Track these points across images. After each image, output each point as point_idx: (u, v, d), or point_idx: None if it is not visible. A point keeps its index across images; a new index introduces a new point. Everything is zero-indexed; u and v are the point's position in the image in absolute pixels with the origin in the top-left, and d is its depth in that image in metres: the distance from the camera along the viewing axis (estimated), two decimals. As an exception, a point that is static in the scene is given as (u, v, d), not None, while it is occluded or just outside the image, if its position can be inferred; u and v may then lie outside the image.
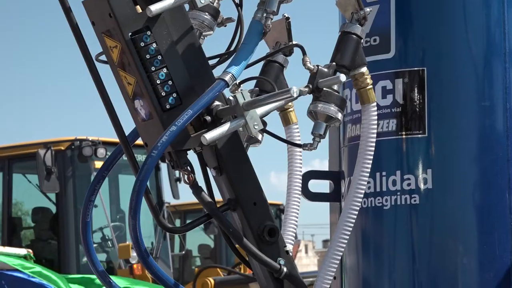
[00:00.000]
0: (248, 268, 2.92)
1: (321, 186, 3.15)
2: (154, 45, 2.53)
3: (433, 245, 2.92)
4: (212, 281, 11.34)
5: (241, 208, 2.66)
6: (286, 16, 2.78)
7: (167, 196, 12.94)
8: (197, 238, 17.04)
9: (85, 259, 13.78)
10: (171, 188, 11.70)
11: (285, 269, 2.61)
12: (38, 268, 10.67)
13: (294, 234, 2.78)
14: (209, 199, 2.67)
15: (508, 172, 2.92)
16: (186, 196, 12.30)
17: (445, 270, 2.90)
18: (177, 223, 15.43)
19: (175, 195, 12.09)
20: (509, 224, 2.90)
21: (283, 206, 12.73)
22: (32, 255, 11.70)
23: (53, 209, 14.45)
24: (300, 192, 2.83)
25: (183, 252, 15.36)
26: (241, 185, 2.66)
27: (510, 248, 2.89)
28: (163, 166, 13.10)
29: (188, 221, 10.96)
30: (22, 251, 11.66)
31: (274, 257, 2.61)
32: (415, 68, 2.94)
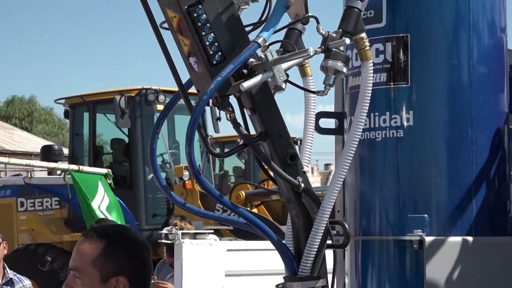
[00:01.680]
0: (273, 183, 2.91)
1: (329, 123, 3.13)
2: (204, 15, 2.56)
3: (413, 168, 2.89)
4: (244, 194, 11.39)
5: (269, 139, 2.65)
6: (304, -7, 2.79)
7: (210, 131, 13.08)
8: (232, 161, 17.07)
9: (150, 176, 13.85)
10: (213, 124, 11.68)
11: (302, 185, 2.61)
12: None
13: (309, 159, 2.76)
14: (245, 132, 2.68)
15: (470, 113, 2.88)
16: (224, 131, 12.34)
17: (421, 187, 2.87)
18: (217, 151, 15.60)
19: (216, 130, 12.04)
20: (471, 152, 2.86)
21: (296, 138, 12.68)
22: (110, 173, 11.78)
23: (126, 139, 14.54)
24: (313, 128, 2.81)
25: (222, 172, 15.39)
26: (269, 121, 2.65)
27: (471, 171, 2.85)
28: (207, 109, 13.16)
29: (225, 150, 11.06)
30: (104, 171, 11.72)
31: (294, 176, 2.61)
32: (401, 35, 2.92)
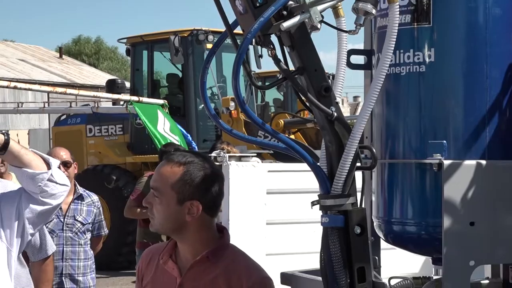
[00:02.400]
0: (309, 112, 2.89)
1: (359, 59, 3.10)
2: (249, -38, 2.53)
3: (433, 99, 2.87)
4: (282, 122, 11.38)
5: (306, 73, 2.63)
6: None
7: (253, 67, 13.10)
8: (272, 94, 17.02)
9: (201, 106, 13.93)
10: (256, 61, 11.64)
11: (335, 114, 2.59)
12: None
13: (341, 92, 2.73)
14: (285, 67, 2.66)
15: (485, 50, 2.84)
16: (265, 67, 12.35)
17: (441, 116, 2.84)
18: (259, 84, 15.61)
19: (258, 66, 11.98)
20: (485, 85, 2.82)
21: (329, 74, 12.65)
22: (166, 103, 11.85)
23: (180, 74, 14.63)
24: (345, 64, 2.78)
25: (263, 103, 15.39)
26: (306, 57, 2.64)
27: (485, 102, 2.81)
28: (250, 47, 13.12)
29: (266, 83, 11.04)
30: (161, 101, 11.80)
31: (328, 106, 2.59)
32: (424, -20, 2.86)
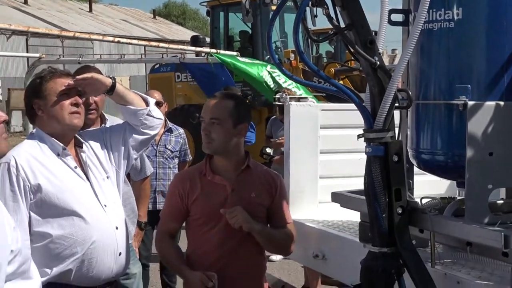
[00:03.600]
0: (356, 61, 2.85)
1: (398, 17, 3.02)
2: None
3: (461, 50, 2.79)
4: (333, 70, 11.29)
5: (354, 28, 2.58)
6: None
7: (309, 25, 13.13)
8: (325, 47, 16.82)
9: (267, 57, 13.91)
10: (312, 20, 11.44)
11: (378, 63, 2.56)
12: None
13: (383, 44, 2.68)
14: (337, 24, 2.60)
15: (505, 9, 2.74)
16: (319, 25, 12.15)
17: (466, 64, 2.78)
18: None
19: (314, 24, 11.78)
20: (504, 39, 2.73)
21: (372, 30, 12.42)
22: (239, 55, 11.85)
23: (250, 31, 14.65)
24: (386, 21, 2.71)
25: (317, 55, 15.24)
26: (355, 15, 2.59)
27: (504, 53, 2.72)
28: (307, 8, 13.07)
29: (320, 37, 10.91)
30: (234, 53, 11.78)
31: (372, 56, 2.56)
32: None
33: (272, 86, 10.80)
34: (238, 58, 11.40)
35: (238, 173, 3.38)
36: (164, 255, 3.60)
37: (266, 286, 3.55)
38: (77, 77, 3.27)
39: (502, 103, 2.62)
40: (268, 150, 8.14)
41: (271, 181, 3.46)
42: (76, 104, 3.22)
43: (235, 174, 3.37)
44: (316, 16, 14.99)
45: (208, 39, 15.95)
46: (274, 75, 10.85)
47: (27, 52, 18.21)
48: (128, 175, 4.79)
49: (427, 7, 2.56)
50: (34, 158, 3.18)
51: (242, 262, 3.38)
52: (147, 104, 3.43)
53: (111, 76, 3.49)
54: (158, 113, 3.49)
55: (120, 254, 3.35)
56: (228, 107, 3.31)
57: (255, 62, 11.39)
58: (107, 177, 3.40)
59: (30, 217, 3.16)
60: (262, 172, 3.51)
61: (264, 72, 10.96)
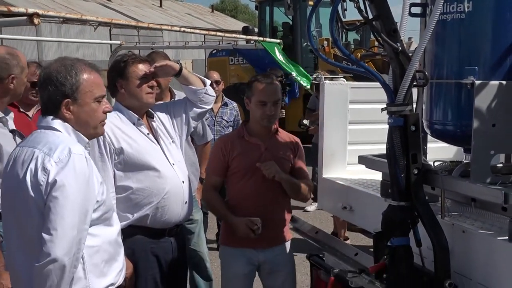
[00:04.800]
0: (380, 47, 2.79)
1: (417, 10, 2.94)
2: None
3: (470, 38, 2.69)
4: (359, 54, 11.03)
5: (380, 19, 2.54)
6: None
7: None
8: (352, 35, 16.48)
9: (304, 44, 13.80)
10: (342, 13, 11.27)
11: (400, 48, 2.52)
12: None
13: (403, 33, 2.61)
14: (365, 15, 2.56)
15: (509, 2, 2.63)
16: (348, 17, 11.99)
17: (474, 50, 2.68)
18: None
19: (344, 16, 11.61)
20: (508, 29, 2.63)
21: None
22: (281, 42, 11.78)
23: (291, 22, 14.56)
24: (407, 13, 2.65)
25: (346, 42, 15.03)
26: (381, 8, 2.57)
27: (508, 41, 2.62)
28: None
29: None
30: (277, 41, 11.71)
31: (395, 42, 2.52)
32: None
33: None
34: (277, 52, 11.37)
35: (270, 136, 3.58)
36: (211, 204, 3.70)
37: (288, 228, 3.76)
38: (155, 64, 3.35)
39: (504, 82, 2.54)
40: (305, 121, 8.16)
41: (294, 143, 3.67)
42: (151, 87, 3.31)
43: (268, 137, 3.57)
44: (346, 9, 14.98)
45: (256, 29, 15.85)
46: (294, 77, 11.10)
47: (110, 40, 18.34)
48: (192, 140, 4.84)
49: (442, 1, 2.49)
50: (116, 126, 3.24)
51: (273, 207, 3.56)
52: (204, 84, 3.51)
53: (179, 61, 3.58)
54: (212, 91, 3.61)
55: (186, 203, 3.40)
56: (280, 90, 3.55)
57: (287, 64, 11.47)
58: (173, 142, 3.46)
59: (114, 174, 3.22)
60: (287, 135, 3.70)
61: (292, 73, 11.19)
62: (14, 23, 6.92)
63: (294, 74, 11.23)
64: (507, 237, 2.39)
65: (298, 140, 3.71)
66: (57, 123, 2.37)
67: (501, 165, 2.73)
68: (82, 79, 2.38)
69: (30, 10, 6.47)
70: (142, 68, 3.27)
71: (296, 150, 3.65)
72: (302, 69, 12.13)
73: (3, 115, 3.26)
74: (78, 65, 2.41)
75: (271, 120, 3.51)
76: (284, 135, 3.69)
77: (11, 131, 3.28)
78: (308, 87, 11.30)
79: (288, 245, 3.69)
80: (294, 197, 3.63)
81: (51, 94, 2.36)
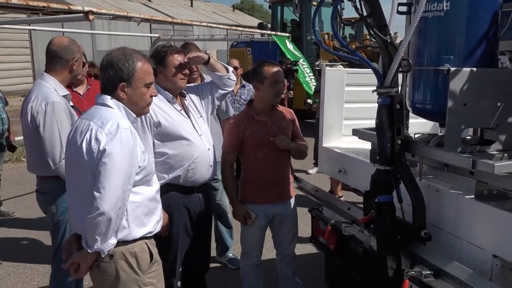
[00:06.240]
0: (372, 39, 2.73)
1: (403, 8, 2.85)
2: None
3: (447, 32, 2.62)
4: (354, 46, 10.90)
5: (373, 16, 2.47)
6: None
7: None
8: (348, 30, 16.21)
9: (309, 37, 13.59)
10: (339, 11, 11.09)
11: (388, 40, 2.45)
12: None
13: (392, 28, 2.53)
14: (361, 12, 2.51)
15: (480, 2, 2.56)
16: (345, 15, 11.78)
17: (450, 41, 2.61)
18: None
19: (342, 14, 11.43)
20: (479, 23, 2.57)
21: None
22: (290, 36, 11.56)
23: (298, 19, 14.31)
24: (396, 11, 2.57)
25: (343, 36, 14.82)
26: (373, 6, 2.49)
27: (478, 35, 2.56)
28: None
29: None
30: (287, 35, 11.52)
31: (385, 35, 2.44)
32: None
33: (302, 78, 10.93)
34: (287, 43, 11.22)
35: (272, 112, 3.55)
36: (226, 181, 3.68)
37: (292, 186, 3.76)
38: (188, 55, 3.33)
39: (474, 69, 2.49)
40: (309, 100, 8.11)
41: (290, 114, 3.65)
42: (184, 74, 3.31)
43: (271, 114, 3.54)
44: (343, 9, 14.88)
45: (269, 25, 15.67)
46: (299, 66, 11.00)
47: (150, 33, 18.26)
48: (218, 115, 4.81)
49: (425, 1, 2.44)
50: (154, 103, 3.23)
51: (281, 170, 3.59)
52: (227, 70, 3.49)
53: (206, 52, 3.58)
54: (233, 76, 3.60)
55: (211, 166, 3.41)
56: (282, 71, 3.52)
57: (295, 53, 11.32)
58: (201, 116, 3.45)
59: (153, 142, 3.22)
60: (283, 109, 3.67)
61: (299, 61, 11.05)
62: (73, 19, 6.91)
63: (301, 60, 11.12)
64: (473, 196, 2.38)
65: (291, 110, 3.73)
66: (111, 101, 2.38)
67: (470, 137, 2.70)
68: (137, 67, 2.38)
69: (86, 8, 6.44)
70: (178, 58, 3.26)
71: (293, 120, 3.64)
72: (306, 61, 12.00)
73: (68, 92, 3.33)
74: (135, 55, 2.41)
75: (279, 97, 3.52)
76: (282, 109, 3.62)
77: (72, 106, 3.33)
78: (310, 80, 11.16)
79: (293, 200, 3.70)
80: (299, 158, 3.65)
81: (110, 76, 2.37)
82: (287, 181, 3.64)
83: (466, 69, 2.47)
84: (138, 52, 2.47)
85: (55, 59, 3.25)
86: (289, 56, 11.00)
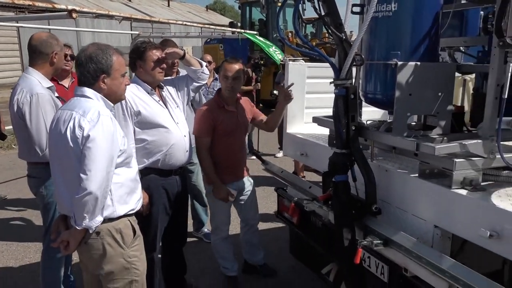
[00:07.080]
0: (330, 36, 2.71)
1: (357, 9, 2.83)
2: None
3: (394, 30, 2.61)
4: (314, 43, 10.90)
5: (330, 16, 2.44)
6: None
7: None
8: (309, 28, 16.21)
9: (275, 35, 13.51)
10: (301, 11, 11.05)
11: (344, 37, 2.42)
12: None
13: (347, 27, 2.51)
14: (319, 12, 2.48)
15: (423, 3, 2.57)
16: (306, 15, 11.68)
17: (397, 39, 2.60)
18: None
19: (303, 14, 11.38)
20: (422, 23, 2.57)
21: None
22: (257, 33, 11.43)
23: (264, 19, 14.27)
24: (350, 11, 2.55)
25: (305, 34, 14.80)
26: (330, 7, 2.46)
27: (422, 33, 2.56)
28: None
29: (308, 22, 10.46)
30: (255, 32, 11.39)
31: (340, 33, 2.42)
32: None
33: (273, 55, 10.76)
34: (257, 37, 11.13)
35: (237, 103, 3.68)
36: (204, 164, 3.66)
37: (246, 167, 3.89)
38: (166, 51, 3.27)
39: (418, 63, 2.51)
40: (275, 91, 8.10)
41: (248, 101, 3.80)
42: (162, 68, 3.25)
43: (236, 104, 3.67)
44: (305, 9, 14.89)
45: (239, 24, 15.54)
46: (271, 51, 10.83)
47: (131, 30, 17.84)
48: (192, 106, 4.75)
49: (376, 2, 2.43)
50: (135, 94, 3.17)
51: (241, 154, 3.77)
52: (201, 65, 3.45)
53: (182, 48, 3.55)
54: (206, 71, 3.58)
55: (187, 151, 3.37)
56: (241, 68, 3.54)
57: (266, 43, 11.21)
58: (177, 106, 3.41)
59: (134, 130, 3.17)
60: (243, 99, 3.78)
61: (270, 49, 10.88)
62: (58, 17, 6.69)
63: (273, 48, 11.00)
64: (417, 174, 2.42)
65: (248, 98, 3.86)
66: (89, 92, 2.35)
67: (414, 123, 2.73)
68: (114, 60, 2.38)
69: (70, 7, 6.22)
70: (156, 53, 3.20)
71: (251, 105, 3.81)
72: (278, 48, 11.90)
73: (52, 84, 3.23)
74: (110, 49, 2.41)
75: (231, 91, 3.57)
76: (243, 100, 3.76)
77: (58, 97, 3.24)
78: (281, 58, 11.05)
79: (248, 178, 3.90)
80: (276, 125, 3.84)
81: (91, 70, 2.33)
82: (243, 163, 3.84)
83: (411, 63, 2.49)
84: (110, 46, 2.47)
85: (36, 54, 3.15)
86: (262, 45, 10.90)
